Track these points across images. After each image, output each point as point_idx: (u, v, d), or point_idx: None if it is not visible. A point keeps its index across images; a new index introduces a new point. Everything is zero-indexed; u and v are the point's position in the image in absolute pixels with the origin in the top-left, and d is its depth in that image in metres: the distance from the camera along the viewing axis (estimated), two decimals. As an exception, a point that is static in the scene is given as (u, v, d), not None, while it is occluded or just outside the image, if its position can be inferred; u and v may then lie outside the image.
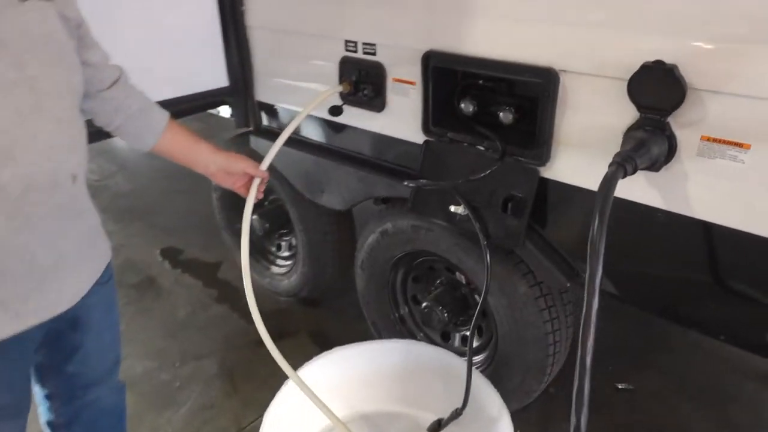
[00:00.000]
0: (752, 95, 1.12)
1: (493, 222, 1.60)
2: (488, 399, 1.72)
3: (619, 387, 2.33)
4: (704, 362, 2.47)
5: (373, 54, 1.75)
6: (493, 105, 1.58)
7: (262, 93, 2.26)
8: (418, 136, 1.75)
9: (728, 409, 2.21)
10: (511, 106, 1.53)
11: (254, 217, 2.67)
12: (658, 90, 1.20)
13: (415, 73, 1.66)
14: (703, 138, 1.21)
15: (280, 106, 2.23)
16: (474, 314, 1.67)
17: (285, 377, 1.67)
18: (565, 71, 1.36)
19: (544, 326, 1.75)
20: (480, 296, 1.97)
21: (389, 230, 2.01)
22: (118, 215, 3.78)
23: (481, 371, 1.95)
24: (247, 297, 1.62)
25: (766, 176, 1.16)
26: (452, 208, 1.66)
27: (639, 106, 1.24)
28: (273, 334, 2.61)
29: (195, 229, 3.53)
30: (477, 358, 2.05)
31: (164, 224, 3.64)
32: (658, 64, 1.17)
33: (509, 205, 1.54)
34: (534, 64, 1.39)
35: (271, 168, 2.30)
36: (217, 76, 2.21)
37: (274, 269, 2.79)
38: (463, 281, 2.03)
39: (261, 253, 2.85)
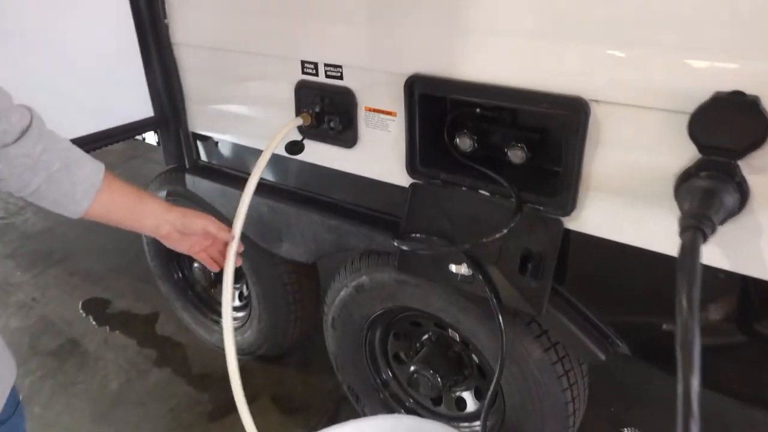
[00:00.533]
0: None
1: (507, 284, 1.29)
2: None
3: (625, 431, 2.11)
4: (705, 394, 2.30)
5: (339, 77, 1.41)
6: (500, 140, 1.28)
7: (197, 123, 1.86)
8: (401, 178, 1.42)
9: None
10: (522, 142, 1.24)
11: (195, 266, 2.27)
12: (731, 127, 0.93)
13: (395, 101, 1.33)
14: (785, 185, 0.95)
15: (221, 138, 1.84)
16: (486, 398, 1.37)
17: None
18: (598, 101, 1.07)
19: (563, 395, 1.47)
20: (477, 357, 1.69)
21: (366, 285, 1.68)
22: (29, 261, 3.23)
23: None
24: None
25: None
26: (453, 268, 1.34)
27: (702, 147, 0.97)
28: (227, 402, 2.25)
29: (124, 274, 3.05)
30: (477, 425, 1.76)
31: (86, 269, 3.13)
32: (737, 95, 0.90)
33: (529, 265, 1.24)
34: (558, 93, 1.10)
35: (214, 210, 1.94)
36: (140, 105, 1.80)
37: (224, 324, 2.39)
38: (457, 338, 1.72)
39: (207, 306, 2.45)
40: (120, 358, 2.48)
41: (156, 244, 2.37)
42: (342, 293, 1.76)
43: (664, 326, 1.24)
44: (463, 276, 1.34)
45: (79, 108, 1.65)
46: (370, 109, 1.40)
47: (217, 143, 1.87)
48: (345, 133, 1.46)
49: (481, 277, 1.29)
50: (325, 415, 2.19)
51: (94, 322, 2.71)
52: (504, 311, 1.30)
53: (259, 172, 1.33)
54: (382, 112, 1.38)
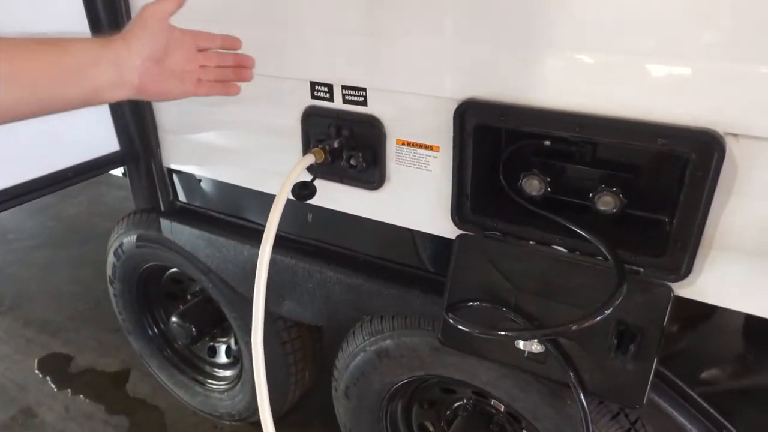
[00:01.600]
0: None
1: (594, 366, 1.01)
2: None
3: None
4: None
5: (363, 103, 1.11)
6: (581, 180, 1.00)
7: (174, 157, 1.53)
8: (445, 229, 1.12)
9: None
10: (615, 186, 0.95)
11: (173, 322, 1.91)
12: None
13: (439, 133, 1.04)
14: None
15: (204, 176, 1.51)
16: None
17: None
18: (736, 135, 0.80)
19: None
20: (523, 426, 1.40)
21: (391, 350, 1.37)
22: (-26, 310, 2.81)
23: None
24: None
25: None
26: (521, 345, 1.05)
27: None
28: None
29: (86, 322, 2.67)
30: None
31: (42, 319, 2.72)
32: None
33: (628, 344, 0.95)
34: (678, 125, 0.82)
35: (196, 259, 1.62)
36: (104, 139, 1.46)
37: (211, 384, 2.04)
38: (501, 409, 1.43)
39: (189, 365, 2.10)
40: (85, 430, 2.10)
41: (125, 295, 2.01)
42: (359, 359, 1.45)
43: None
44: (531, 353, 1.05)
45: (29, 145, 1.31)
46: (403, 143, 1.10)
47: (199, 180, 1.54)
48: (369, 172, 1.16)
49: (560, 357, 1.00)
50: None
51: (52, 385, 2.31)
52: (587, 400, 1.02)
53: (273, 230, 1.01)
54: (421, 146, 1.08)
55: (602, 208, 0.97)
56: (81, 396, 2.25)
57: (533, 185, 1.03)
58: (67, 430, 2.10)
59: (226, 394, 1.98)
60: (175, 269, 1.94)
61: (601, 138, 0.91)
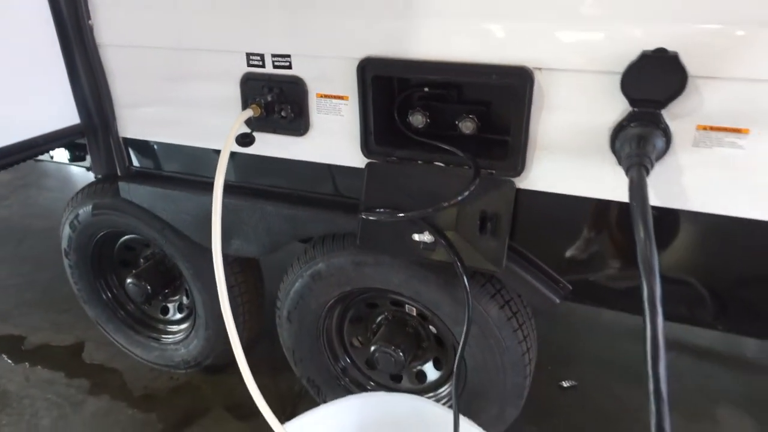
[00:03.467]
0: (752, 78, 1.07)
1: (468, 246, 1.40)
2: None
3: (564, 386, 2.30)
4: (630, 342, 2.56)
5: (288, 67, 1.45)
6: (450, 115, 1.39)
7: (129, 128, 1.80)
8: (357, 159, 1.48)
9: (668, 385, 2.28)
10: (472, 114, 1.35)
11: (129, 282, 2.15)
12: (656, 81, 1.10)
13: (347, 85, 1.40)
14: (699, 127, 1.14)
15: (158, 141, 1.79)
16: (459, 348, 1.45)
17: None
18: (540, 69, 1.21)
19: (520, 347, 1.60)
20: (435, 327, 1.78)
21: (323, 272, 1.71)
22: None
23: (449, 407, 1.75)
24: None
25: (766, 159, 1.12)
26: (416, 237, 1.43)
27: (633, 100, 1.14)
28: (178, 418, 2.16)
29: (35, 308, 2.81)
30: (442, 392, 1.85)
31: (-11, 306, 2.84)
32: (660, 52, 1.07)
33: (488, 225, 1.35)
34: (503, 64, 1.22)
35: (151, 218, 1.88)
36: (65, 113, 1.71)
37: (166, 338, 2.29)
38: (413, 313, 1.81)
39: (143, 324, 2.34)
40: (47, 393, 2.28)
41: (81, 265, 2.22)
42: (297, 284, 1.78)
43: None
44: (425, 244, 1.43)
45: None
46: (322, 96, 1.45)
47: (153, 147, 1.81)
48: (297, 122, 1.50)
49: (443, 241, 1.39)
50: (283, 414, 2.17)
51: (9, 361, 2.47)
52: (467, 273, 1.41)
53: (223, 169, 1.34)
54: (335, 97, 1.44)
55: (465, 131, 1.37)
56: (39, 367, 2.43)
57: (418, 120, 1.41)
58: (30, 395, 2.28)
59: (181, 344, 2.23)
60: (128, 236, 2.18)
61: (456, 78, 1.31)
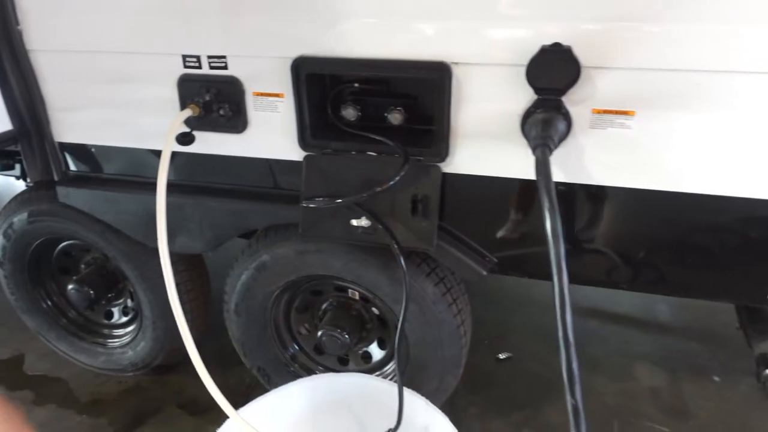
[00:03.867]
0: (633, 67, 1.24)
1: (402, 227, 1.52)
2: (415, 407, 1.67)
3: (500, 357, 2.47)
4: (552, 306, 2.78)
5: (224, 68, 1.53)
6: (379, 107, 1.50)
7: (65, 132, 1.81)
8: (295, 153, 1.57)
9: (593, 350, 2.51)
10: (399, 106, 1.47)
11: (71, 288, 2.15)
12: (555, 71, 1.26)
13: (282, 83, 1.49)
14: (594, 111, 1.31)
15: (96, 144, 1.81)
16: (398, 323, 1.58)
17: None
18: (457, 63, 1.34)
19: (455, 320, 1.75)
20: (377, 308, 1.89)
21: (267, 263, 1.79)
22: None
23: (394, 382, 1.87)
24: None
25: (650, 137, 1.30)
26: (354, 222, 1.54)
27: (537, 89, 1.29)
28: (129, 420, 2.18)
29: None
30: (387, 369, 1.97)
31: None
32: (556, 46, 1.23)
33: (419, 207, 1.48)
34: (424, 60, 1.35)
35: (91, 221, 1.90)
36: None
37: (112, 342, 2.30)
38: (356, 297, 1.91)
39: (87, 331, 2.33)
40: (-12, 406, 2.23)
41: (17, 275, 2.19)
42: (243, 277, 1.85)
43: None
44: (363, 228, 1.54)
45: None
46: (258, 94, 1.54)
47: (91, 150, 1.82)
48: (235, 120, 1.58)
49: (379, 225, 1.50)
50: (236, 408, 2.22)
51: (-57, 379, 2.39)
52: (403, 253, 1.53)
53: (165, 168, 1.39)
54: (271, 95, 1.52)
55: (394, 122, 1.49)
56: (-23, 383, 2.37)
57: (350, 114, 1.51)
58: (-31, 410, 2.22)
59: (128, 346, 2.25)
60: (67, 242, 2.17)
61: (383, 73, 1.42)
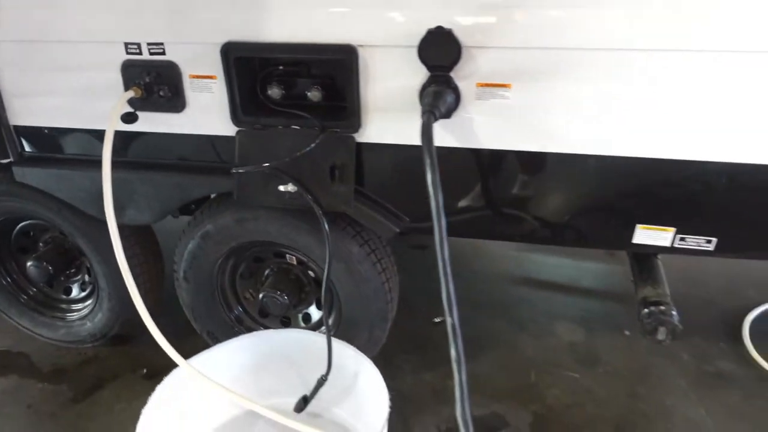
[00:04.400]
0: (508, 46, 1.48)
1: (323, 192, 1.74)
2: (346, 356, 1.88)
3: (436, 321, 2.71)
4: (487, 283, 3.03)
5: (162, 53, 1.72)
6: (300, 86, 1.71)
7: (19, 116, 1.98)
8: (228, 129, 1.77)
9: (520, 313, 2.76)
10: (318, 85, 1.69)
11: (30, 265, 2.30)
12: (441, 51, 1.49)
13: (214, 66, 1.69)
14: (478, 85, 1.54)
15: (49, 127, 1.98)
16: (323, 279, 1.79)
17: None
18: (363, 46, 1.56)
19: (380, 277, 1.97)
20: (313, 271, 2.10)
21: (210, 231, 1.99)
22: None
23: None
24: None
25: (525, 105, 1.54)
26: (281, 188, 1.74)
27: (428, 66, 1.52)
28: (89, 386, 2.34)
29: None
30: (322, 330, 2.18)
31: None
32: (439, 29, 1.46)
33: (336, 173, 1.70)
34: (334, 43, 1.57)
35: (47, 199, 2.06)
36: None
37: (71, 316, 2.46)
38: (294, 262, 2.12)
39: (47, 306, 2.48)
40: (-48, 381, 2.38)
41: (-24, 254, 2.34)
42: (190, 246, 2.04)
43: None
44: (290, 193, 1.75)
45: None
46: (194, 76, 1.73)
47: (45, 132, 1.99)
48: (174, 100, 1.77)
49: (303, 189, 1.72)
50: (189, 372, 2.41)
51: None
52: (326, 215, 1.74)
53: (110, 145, 1.58)
54: (205, 77, 1.72)
55: (314, 99, 1.70)
56: (-60, 361, 2.50)
57: (276, 93, 1.72)
58: (-65, 384, 2.36)
59: (86, 318, 2.41)
60: (25, 222, 2.33)
61: (302, 56, 1.63)
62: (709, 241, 1.63)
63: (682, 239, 1.64)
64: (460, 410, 1.30)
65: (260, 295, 2.07)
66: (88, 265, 2.35)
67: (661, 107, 1.47)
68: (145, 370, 2.41)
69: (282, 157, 1.71)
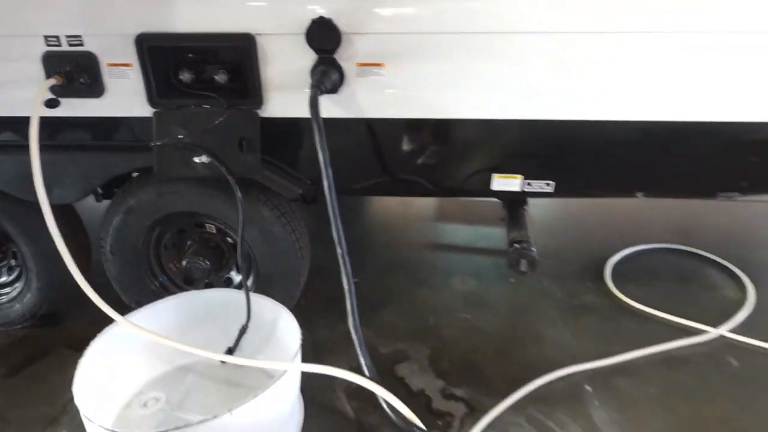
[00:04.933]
0: (380, 32, 1.82)
1: (234, 162, 2.01)
2: (264, 306, 2.16)
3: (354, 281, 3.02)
4: (392, 244, 3.40)
5: (81, 45, 1.93)
6: (209, 71, 1.98)
7: (-59, 108, 2.11)
8: (146, 111, 2.01)
9: (422, 273, 3.14)
10: (224, 69, 1.96)
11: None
12: (324, 37, 1.81)
13: (130, 55, 1.92)
14: (358, 65, 1.88)
15: (-28, 116, 2.13)
16: (238, 236, 2.07)
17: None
18: (260, 34, 1.86)
19: (290, 237, 2.26)
20: (231, 238, 2.37)
21: (134, 206, 2.21)
22: None
23: (251, 297, 2.35)
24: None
25: (396, 80, 1.89)
26: (196, 159, 2.01)
27: (315, 50, 1.84)
28: (20, 362, 2.48)
29: None
30: (244, 290, 2.45)
31: None
32: (321, 18, 1.78)
33: (244, 144, 1.98)
34: (235, 32, 1.86)
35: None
36: None
37: (0, 300, 2.58)
38: (213, 231, 2.38)
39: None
40: None
41: None
42: (115, 221, 2.25)
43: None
44: (204, 164, 2.02)
45: None
46: (111, 64, 1.96)
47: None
48: (94, 86, 1.99)
49: (215, 159, 1.99)
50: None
51: None
52: (237, 183, 2.02)
53: (36, 128, 1.78)
54: (121, 65, 1.96)
55: (221, 81, 1.97)
56: None
57: (187, 77, 1.98)
58: None
59: (15, 300, 2.54)
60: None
61: (208, 44, 1.91)
62: (548, 184, 2.05)
63: (528, 184, 2.05)
64: (352, 321, 1.64)
65: (183, 262, 2.31)
66: (14, 249, 2.49)
67: (498, 78, 1.86)
68: (75, 346, 2.57)
69: (195, 132, 1.98)
